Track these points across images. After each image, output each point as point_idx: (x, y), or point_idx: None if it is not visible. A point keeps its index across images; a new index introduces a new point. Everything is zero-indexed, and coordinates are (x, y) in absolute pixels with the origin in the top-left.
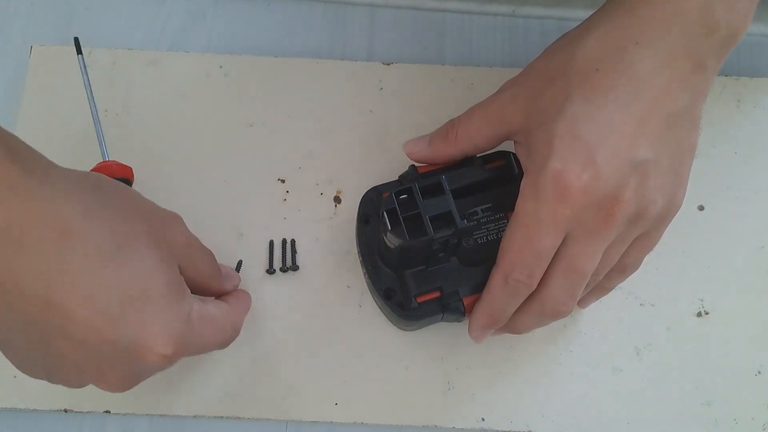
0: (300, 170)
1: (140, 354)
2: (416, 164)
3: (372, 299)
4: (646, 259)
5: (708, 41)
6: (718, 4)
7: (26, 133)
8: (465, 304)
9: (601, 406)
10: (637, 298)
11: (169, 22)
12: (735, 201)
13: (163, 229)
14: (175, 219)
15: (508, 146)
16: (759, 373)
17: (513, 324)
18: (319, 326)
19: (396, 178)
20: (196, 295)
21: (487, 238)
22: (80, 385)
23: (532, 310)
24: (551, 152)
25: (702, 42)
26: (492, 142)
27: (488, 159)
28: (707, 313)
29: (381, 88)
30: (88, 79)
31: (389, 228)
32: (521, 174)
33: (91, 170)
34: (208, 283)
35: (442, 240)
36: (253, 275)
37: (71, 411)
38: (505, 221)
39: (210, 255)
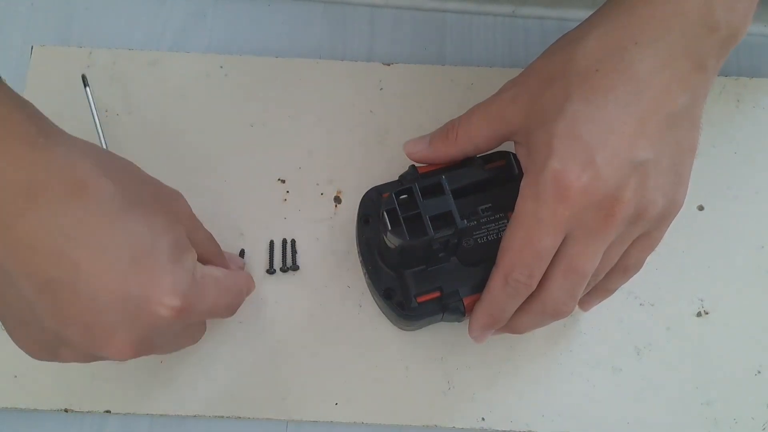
0: (300, 170)
1: (149, 307)
2: (416, 164)
3: (372, 299)
4: (646, 259)
5: (708, 41)
6: (718, 4)
7: None
8: (465, 304)
9: (601, 406)
10: (637, 298)
11: (169, 23)
12: (735, 201)
13: (169, 199)
14: (179, 193)
15: (508, 146)
16: (759, 373)
17: (513, 324)
18: (319, 326)
19: (396, 178)
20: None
21: (487, 238)
22: (86, 356)
23: (533, 310)
24: (551, 152)
25: (702, 42)
26: (492, 142)
27: (488, 159)
28: (707, 313)
29: (381, 88)
30: (96, 112)
31: (389, 228)
32: (521, 174)
33: None
34: (211, 258)
35: (442, 240)
36: (253, 275)
37: (71, 411)
38: (505, 221)
39: (212, 236)
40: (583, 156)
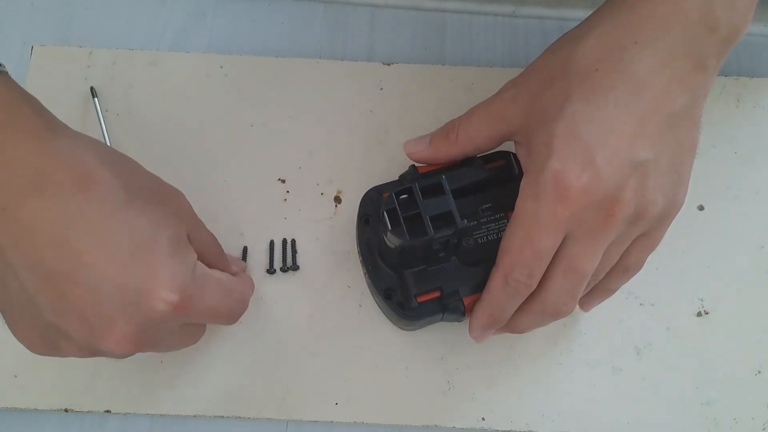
0: (300, 170)
1: (147, 300)
2: (416, 164)
3: (372, 299)
4: (646, 259)
5: (708, 40)
6: (718, 3)
7: None
8: (465, 303)
9: (601, 406)
10: (637, 298)
11: (169, 23)
12: (735, 201)
13: (170, 196)
14: (180, 192)
15: (508, 146)
16: (759, 372)
17: (513, 324)
18: (319, 326)
19: (396, 178)
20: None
21: (487, 238)
22: (86, 350)
23: (533, 310)
24: (551, 152)
25: (702, 41)
26: (492, 142)
27: (488, 159)
28: (707, 313)
29: (381, 88)
30: (103, 124)
31: (389, 228)
32: (521, 174)
33: None
34: (213, 259)
35: (442, 240)
36: (254, 275)
37: (71, 411)
38: (505, 221)
39: (214, 237)
40: (583, 156)
